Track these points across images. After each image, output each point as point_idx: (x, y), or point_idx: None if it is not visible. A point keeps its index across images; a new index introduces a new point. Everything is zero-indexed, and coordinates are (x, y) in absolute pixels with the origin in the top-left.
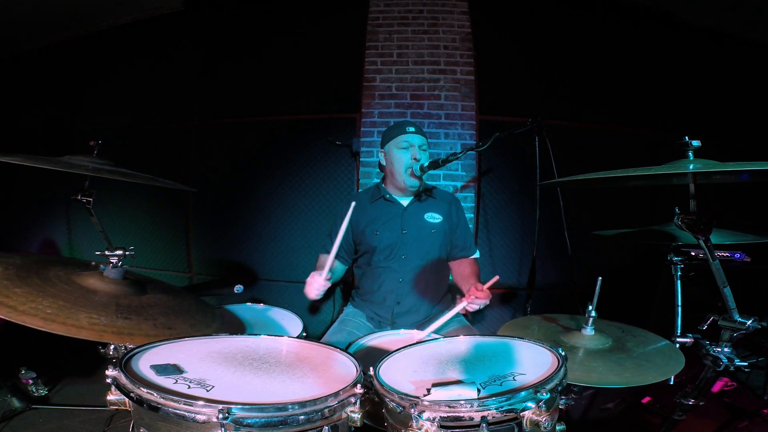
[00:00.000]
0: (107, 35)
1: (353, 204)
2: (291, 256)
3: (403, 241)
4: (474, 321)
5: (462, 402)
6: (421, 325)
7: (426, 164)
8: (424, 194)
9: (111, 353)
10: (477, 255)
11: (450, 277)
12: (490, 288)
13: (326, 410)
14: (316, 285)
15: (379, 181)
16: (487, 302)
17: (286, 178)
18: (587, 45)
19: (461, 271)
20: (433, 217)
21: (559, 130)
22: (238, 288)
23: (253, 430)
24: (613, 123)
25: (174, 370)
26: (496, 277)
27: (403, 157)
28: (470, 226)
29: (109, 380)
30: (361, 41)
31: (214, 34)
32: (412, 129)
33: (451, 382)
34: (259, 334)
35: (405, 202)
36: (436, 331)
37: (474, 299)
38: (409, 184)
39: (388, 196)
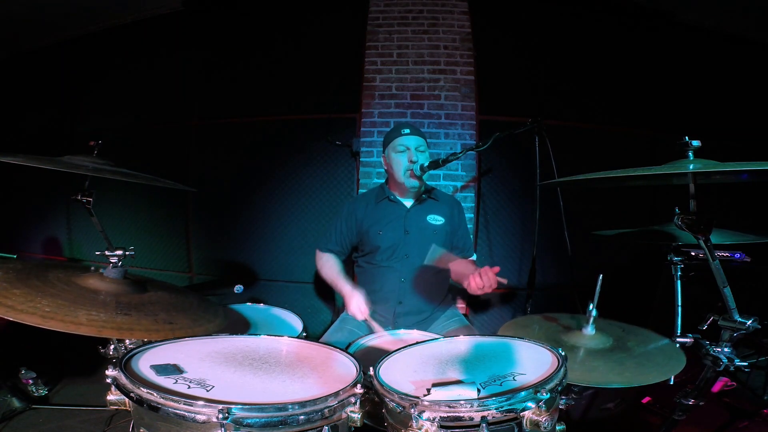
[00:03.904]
0: (107, 35)
1: None
2: (291, 256)
3: (406, 242)
4: (474, 321)
5: (462, 402)
6: (420, 324)
7: (426, 164)
8: (426, 196)
9: (111, 353)
10: (474, 258)
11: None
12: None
13: (326, 410)
14: (362, 307)
15: (383, 182)
16: (489, 288)
17: (286, 178)
18: (587, 45)
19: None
20: (436, 219)
21: (559, 130)
22: (238, 288)
23: (253, 430)
24: (613, 123)
25: (174, 370)
26: (505, 280)
27: (401, 160)
28: (470, 226)
29: (109, 380)
30: (361, 41)
31: (214, 34)
32: (407, 131)
33: (451, 382)
34: (259, 334)
35: (408, 203)
36: (436, 332)
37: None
38: (409, 185)
39: (392, 197)
